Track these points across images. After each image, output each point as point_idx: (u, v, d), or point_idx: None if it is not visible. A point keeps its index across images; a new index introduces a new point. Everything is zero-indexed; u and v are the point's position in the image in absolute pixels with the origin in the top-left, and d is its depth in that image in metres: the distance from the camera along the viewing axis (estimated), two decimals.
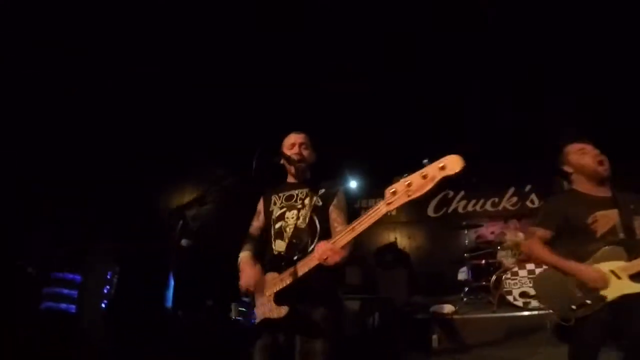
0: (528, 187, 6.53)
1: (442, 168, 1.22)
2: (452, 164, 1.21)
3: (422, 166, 1.25)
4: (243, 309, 1.96)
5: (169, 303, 4.28)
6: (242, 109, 4.54)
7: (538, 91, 4.70)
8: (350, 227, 1.50)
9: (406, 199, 1.28)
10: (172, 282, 4.45)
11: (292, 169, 2.07)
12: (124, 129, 4.49)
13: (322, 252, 1.55)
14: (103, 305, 3.89)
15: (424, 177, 1.24)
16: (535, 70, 4.25)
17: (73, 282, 3.67)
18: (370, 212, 1.40)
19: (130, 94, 4.25)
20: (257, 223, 2.13)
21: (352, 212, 1.96)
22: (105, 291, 3.97)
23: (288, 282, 1.70)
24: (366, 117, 4.96)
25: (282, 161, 2.08)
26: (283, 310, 1.70)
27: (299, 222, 1.90)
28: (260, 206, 2.14)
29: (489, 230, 5.81)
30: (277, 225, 1.97)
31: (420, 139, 5.67)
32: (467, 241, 5.18)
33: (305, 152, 2.08)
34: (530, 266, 3.93)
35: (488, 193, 6.65)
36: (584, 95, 4.68)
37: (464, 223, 5.29)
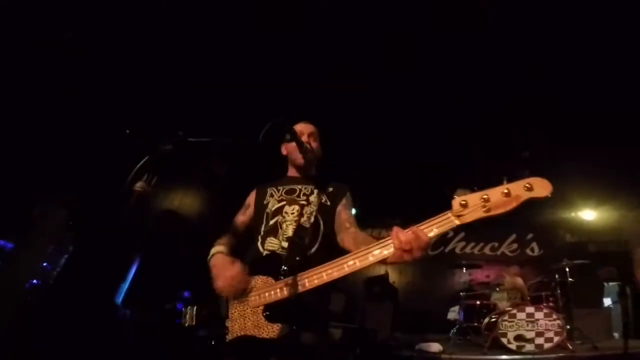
0: (530, 235, 6.35)
1: (529, 189, 1.06)
2: (541, 187, 1.06)
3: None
4: (205, 316, 1.52)
5: (120, 298, 3.91)
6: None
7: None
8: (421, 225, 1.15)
9: (482, 215, 1.10)
10: (131, 274, 4.08)
11: (298, 161, 1.75)
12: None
13: (407, 240, 1.12)
14: (34, 283, 3.21)
15: (506, 194, 1.07)
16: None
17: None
18: (437, 219, 1.14)
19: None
20: (242, 217, 1.78)
21: None
22: (44, 268, 3.36)
23: (289, 293, 1.30)
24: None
25: (289, 141, 1.74)
26: (276, 330, 1.31)
27: (302, 219, 1.57)
28: (251, 199, 1.80)
29: (484, 274, 5.53)
30: (272, 221, 1.63)
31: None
32: (463, 280, 4.90)
33: (314, 144, 1.80)
34: (529, 309, 3.66)
35: (488, 237, 6.48)
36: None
37: (463, 262, 5.06)
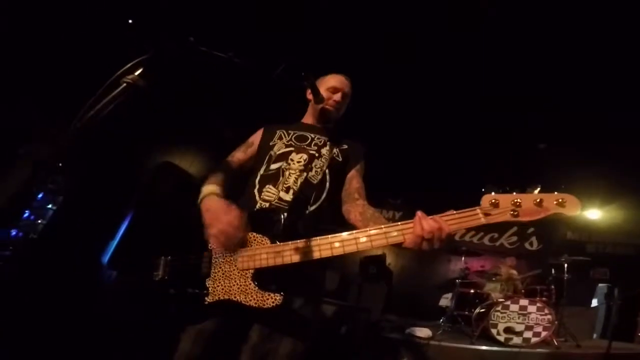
0: (531, 230, 6.35)
1: (560, 204, 1.06)
2: (572, 205, 1.07)
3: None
4: (180, 270, 1.31)
5: (107, 258, 3.52)
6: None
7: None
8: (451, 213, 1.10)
9: (508, 219, 1.08)
10: (122, 230, 3.66)
11: (316, 111, 1.58)
12: None
13: (430, 229, 1.06)
14: (13, 234, 2.89)
15: (538, 203, 1.07)
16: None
17: None
18: (464, 213, 1.09)
19: None
20: (241, 155, 1.55)
21: None
22: (23, 215, 2.98)
23: (286, 260, 1.14)
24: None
25: (307, 94, 1.59)
26: (267, 299, 1.13)
27: (310, 173, 1.38)
28: (256, 137, 1.59)
29: (479, 263, 5.57)
30: (275, 165, 1.43)
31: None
32: (458, 268, 4.93)
33: (344, 106, 1.63)
34: (523, 302, 3.70)
35: (490, 227, 6.40)
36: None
37: (464, 248, 5.05)
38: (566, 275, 4.12)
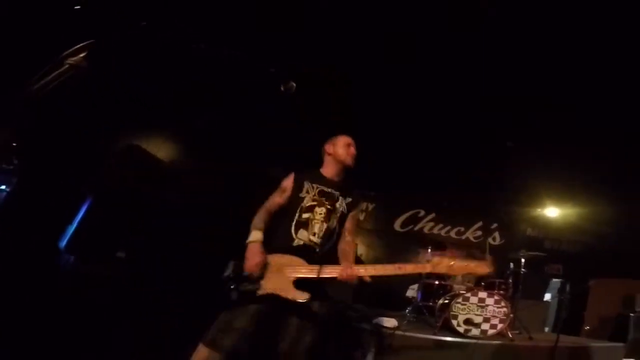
0: (494, 225, 6.67)
1: (477, 266, 1.93)
2: (482, 267, 1.93)
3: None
4: (239, 272, 1.94)
5: (64, 242, 3.40)
6: None
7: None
8: (381, 267, 2.02)
9: (444, 272, 1.99)
10: (81, 214, 3.50)
11: (335, 166, 2.22)
12: None
13: (347, 276, 1.86)
14: None
15: (464, 267, 1.95)
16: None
17: None
18: (411, 265, 2.03)
19: None
20: (279, 200, 2.16)
21: None
22: None
23: (315, 275, 1.87)
24: None
25: (327, 149, 2.27)
26: (303, 296, 1.84)
27: (329, 223, 2.08)
28: (289, 184, 2.17)
29: (446, 256, 5.81)
30: (305, 216, 2.07)
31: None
32: (426, 259, 5.09)
33: (353, 154, 2.26)
34: (482, 294, 3.90)
35: (457, 221, 6.74)
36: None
37: (429, 242, 5.25)
38: (523, 269, 4.39)
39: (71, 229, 3.56)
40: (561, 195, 6.00)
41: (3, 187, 3.45)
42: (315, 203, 2.10)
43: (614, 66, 3.75)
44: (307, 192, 2.13)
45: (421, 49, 3.91)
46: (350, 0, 3.54)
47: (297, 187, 2.14)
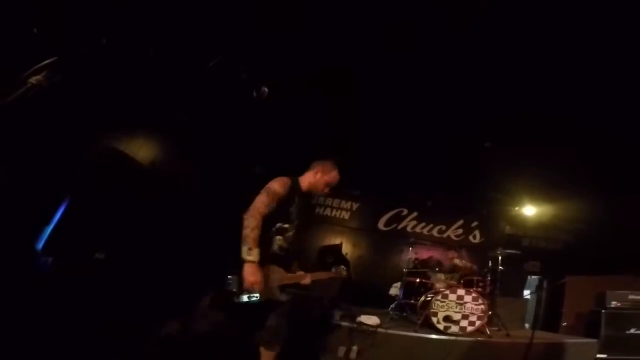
0: (475, 223, 6.81)
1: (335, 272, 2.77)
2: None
3: None
4: (241, 288, 2.18)
5: (41, 243, 3.38)
6: None
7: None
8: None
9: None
10: (59, 214, 3.50)
11: (310, 185, 2.56)
12: None
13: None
14: None
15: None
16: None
17: None
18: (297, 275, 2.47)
19: None
20: (272, 205, 2.32)
21: None
22: None
23: (292, 281, 2.40)
24: None
25: (315, 173, 2.58)
26: (283, 297, 2.35)
27: (297, 235, 2.47)
28: (284, 190, 2.37)
29: (428, 254, 5.92)
30: (285, 225, 2.39)
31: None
32: (408, 258, 5.19)
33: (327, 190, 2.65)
34: (460, 292, 4.00)
35: (439, 219, 6.86)
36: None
37: (412, 240, 5.33)
38: (500, 267, 4.51)
39: (48, 230, 3.50)
40: (538, 194, 6.17)
41: None
42: (293, 216, 2.43)
43: (590, 66, 3.84)
44: (292, 204, 2.42)
45: (402, 51, 3.93)
46: None
47: (289, 202, 2.41)
